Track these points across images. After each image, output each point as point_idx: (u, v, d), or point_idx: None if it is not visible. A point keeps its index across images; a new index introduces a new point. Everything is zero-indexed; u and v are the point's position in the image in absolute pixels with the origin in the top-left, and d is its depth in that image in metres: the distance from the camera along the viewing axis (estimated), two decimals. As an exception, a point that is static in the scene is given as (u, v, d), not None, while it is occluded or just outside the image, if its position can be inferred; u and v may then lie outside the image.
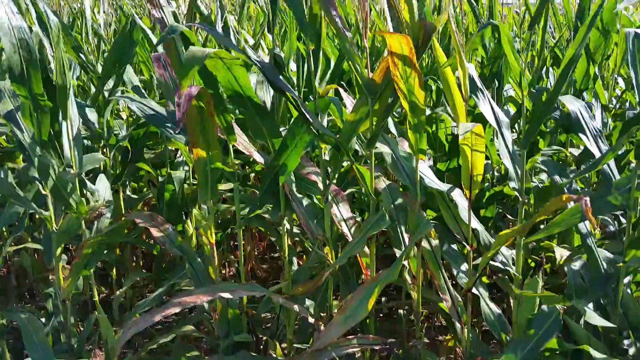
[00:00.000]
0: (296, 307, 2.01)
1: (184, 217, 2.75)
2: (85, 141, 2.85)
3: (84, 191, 2.40)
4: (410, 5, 1.74)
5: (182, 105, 1.59)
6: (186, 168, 2.87)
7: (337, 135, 1.87)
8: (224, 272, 3.60)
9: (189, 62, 1.56)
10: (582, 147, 2.80)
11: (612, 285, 2.02)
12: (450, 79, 1.80)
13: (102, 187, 2.29)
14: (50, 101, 1.89)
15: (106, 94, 2.70)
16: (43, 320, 2.44)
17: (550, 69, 3.28)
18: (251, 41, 3.57)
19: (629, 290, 2.12)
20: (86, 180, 2.21)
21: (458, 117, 1.82)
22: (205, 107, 1.82)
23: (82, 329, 2.32)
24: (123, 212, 2.74)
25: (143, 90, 3.01)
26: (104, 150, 2.76)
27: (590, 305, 2.09)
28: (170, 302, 1.76)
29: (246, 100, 1.81)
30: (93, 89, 2.95)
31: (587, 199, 1.55)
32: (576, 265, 2.17)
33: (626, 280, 2.08)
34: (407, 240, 2.15)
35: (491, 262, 2.18)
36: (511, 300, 2.09)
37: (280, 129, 1.99)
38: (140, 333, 3.08)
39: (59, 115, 1.98)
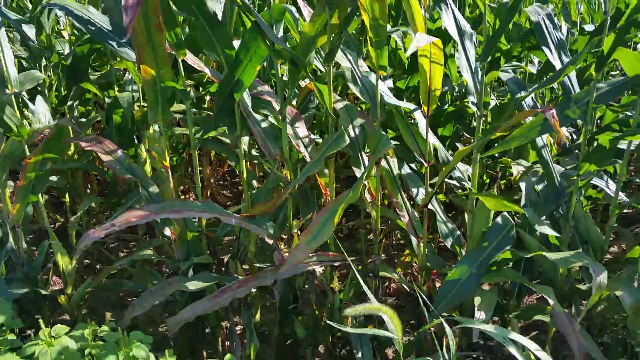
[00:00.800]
0: (253, 227, 2.00)
1: (136, 141, 2.65)
2: (24, 62, 2.66)
3: (28, 112, 2.26)
4: None
5: (129, 10, 1.44)
6: (135, 88, 2.73)
7: (294, 50, 1.78)
8: (183, 197, 3.55)
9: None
10: (541, 64, 2.79)
11: (565, 199, 2.08)
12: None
13: (42, 109, 2.15)
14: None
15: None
16: (-6, 248, 2.37)
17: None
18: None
19: (580, 204, 2.19)
20: (27, 101, 2.07)
21: (416, 28, 1.75)
22: (152, 16, 1.68)
23: (36, 256, 2.26)
24: (71, 135, 2.61)
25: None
26: (47, 71, 2.59)
27: (543, 218, 2.16)
28: (121, 215, 1.71)
29: (194, 7, 1.68)
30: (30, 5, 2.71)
31: (554, 111, 1.55)
32: (531, 180, 2.22)
33: (578, 194, 2.14)
34: (366, 159, 2.14)
35: (447, 179, 2.21)
36: (466, 217, 2.14)
37: (235, 43, 1.88)
38: (101, 260, 3.08)
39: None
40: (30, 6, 2.76)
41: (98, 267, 3.06)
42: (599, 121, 2.49)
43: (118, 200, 2.75)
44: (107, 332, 1.62)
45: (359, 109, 2.28)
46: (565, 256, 1.78)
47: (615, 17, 1.73)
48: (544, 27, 2.00)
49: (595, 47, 1.75)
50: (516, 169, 2.34)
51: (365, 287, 1.57)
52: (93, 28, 1.75)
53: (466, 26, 1.91)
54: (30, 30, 2.49)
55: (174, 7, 1.82)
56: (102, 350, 1.51)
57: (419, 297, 2.10)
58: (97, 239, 1.70)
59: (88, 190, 3.19)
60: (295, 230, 2.19)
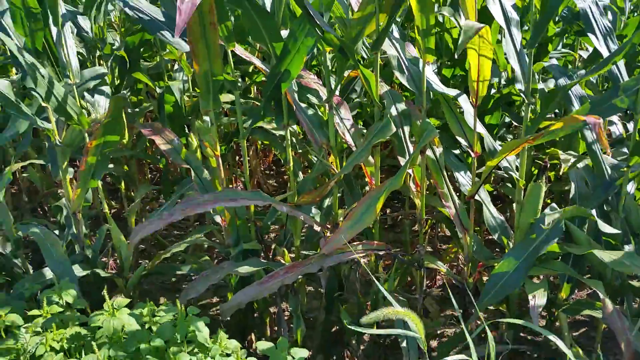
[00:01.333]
0: (300, 215, 2.04)
1: (186, 130, 2.74)
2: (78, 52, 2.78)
3: (85, 103, 2.38)
4: None
5: (184, 12, 1.50)
6: (184, 78, 2.82)
7: (342, 37, 1.80)
8: (231, 186, 3.64)
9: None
10: (590, 50, 2.71)
11: (615, 191, 2.03)
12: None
13: (102, 99, 2.26)
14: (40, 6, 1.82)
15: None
16: (57, 232, 2.51)
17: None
18: None
19: (632, 197, 2.12)
20: (85, 93, 2.18)
21: (467, 12, 1.74)
22: (207, 16, 1.74)
23: (94, 240, 2.38)
24: (125, 123, 2.72)
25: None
26: (100, 62, 2.70)
27: (593, 211, 2.11)
28: (177, 207, 1.79)
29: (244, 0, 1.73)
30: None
31: (600, 121, 1.52)
32: (581, 171, 2.16)
33: (630, 186, 2.08)
34: (411, 148, 2.14)
35: (494, 169, 2.18)
36: (514, 207, 2.11)
37: (282, 33, 1.92)
38: (155, 246, 3.21)
39: (50, 22, 1.91)
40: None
41: (152, 252, 3.19)
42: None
43: (171, 188, 2.85)
44: (165, 309, 1.70)
45: (403, 97, 2.28)
46: (618, 257, 1.73)
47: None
48: (590, 13, 1.95)
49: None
50: (564, 159, 2.29)
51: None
52: (147, 18, 1.82)
53: (512, 12, 1.88)
54: (84, 22, 2.60)
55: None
56: (162, 323, 1.60)
57: (465, 290, 2.10)
58: (154, 230, 1.78)
59: (142, 178, 3.32)
60: (341, 219, 2.22)
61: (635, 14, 3.38)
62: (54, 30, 1.94)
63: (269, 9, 1.83)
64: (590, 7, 1.97)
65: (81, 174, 2.07)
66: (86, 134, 2.13)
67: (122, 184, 3.07)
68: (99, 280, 2.28)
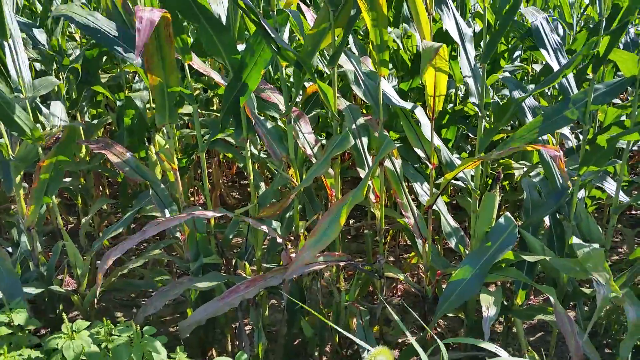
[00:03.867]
0: (264, 227, 2.04)
1: (146, 143, 2.70)
2: (37, 65, 2.73)
3: (43, 117, 2.32)
4: None
5: (142, 32, 1.48)
6: (146, 91, 2.78)
7: (298, 52, 1.82)
8: (193, 199, 3.61)
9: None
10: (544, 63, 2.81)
11: (567, 199, 2.10)
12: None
13: (58, 112, 2.21)
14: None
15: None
16: (10, 249, 2.43)
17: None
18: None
19: (583, 204, 2.20)
20: (41, 105, 2.13)
21: (423, 32, 1.78)
22: (163, 31, 1.72)
23: (50, 257, 2.32)
24: (82, 138, 2.67)
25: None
26: (58, 74, 2.65)
27: (547, 218, 2.18)
28: (150, 224, 1.77)
29: (198, 13, 1.72)
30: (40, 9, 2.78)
31: (560, 153, 1.58)
32: (533, 180, 2.23)
33: (581, 194, 2.16)
34: (370, 160, 2.17)
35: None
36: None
37: (239, 47, 1.92)
38: (113, 261, 3.13)
39: (-1, 35, 1.87)
40: (41, 8, 2.83)
41: (110, 268, 3.11)
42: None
43: (129, 202, 2.81)
44: (121, 328, 1.67)
45: (363, 110, 2.31)
46: (568, 263, 1.79)
47: (610, 18, 1.74)
48: (541, 29, 2.03)
49: (593, 48, 1.77)
50: (518, 170, 2.36)
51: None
52: (99, 35, 1.80)
53: (466, 29, 1.94)
54: (40, 35, 2.55)
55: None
56: (117, 345, 1.57)
57: (424, 298, 2.13)
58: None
59: (100, 192, 3.25)
60: (302, 231, 2.22)
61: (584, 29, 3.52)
62: (4, 43, 1.89)
63: (224, 23, 1.83)
64: (541, 23, 2.05)
65: (34, 190, 2.02)
66: (40, 149, 2.08)
67: (79, 198, 3.00)
68: (54, 298, 2.21)
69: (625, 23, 1.69)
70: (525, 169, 2.32)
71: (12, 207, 2.96)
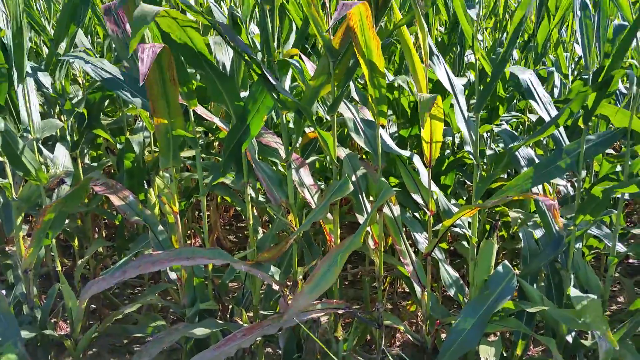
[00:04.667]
0: (259, 274, 2.03)
1: (145, 186, 2.72)
2: (39, 107, 2.77)
3: (42, 159, 2.34)
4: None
5: (145, 61, 1.52)
6: (146, 134, 2.82)
7: (299, 100, 1.87)
8: (190, 242, 3.59)
9: (138, 20, 1.47)
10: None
11: (564, 249, 2.11)
12: (409, 43, 1.82)
13: (61, 155, 2.24)
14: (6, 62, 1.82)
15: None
16: (4, 292, 2.40)
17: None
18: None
19: (580, 253, 2.21)
20: (42, 147, 2.16)
21: (419, 83, 1.84)
22: (167, 72, 1.78)
23: (45, 300, 2.29)
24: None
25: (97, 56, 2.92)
26: (61, 117, 2.69)
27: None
28: (130, 265, 1.75)
29: (203, 62, 1.78)
30: (46, 52, 2.85)
31: (555, 203, 1.61)
32: (530, 229, 2.25)
33: (578, 244, 2.17)
34: (368, 206, 2.19)
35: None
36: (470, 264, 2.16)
37: (242, 94, 1.97)
38: (106, 305, 3.10)
39: (14, 78, 1.91)
40: (47, 51, 2.89)
41: (101, 313, 3.07)
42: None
43: (126, 245, 2.80)
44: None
45: (363, 156, 2.34)
46: (567, 314, 1.78)
47: (597, 72, 1.80)
48: (530, 84, 2.11)
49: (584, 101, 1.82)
50: (514, 218, 2.38)
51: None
52: (107, 77, 1.85)
53: (457, 81, 2.00)
54: (45, 78, 2.60)
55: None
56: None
57: (424, 348, 2.10)
58: (105, 288, 1.73)
59: (96, 234, 3.24)
60: (300, 277, 2.21)
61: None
62: (17, 85, 1.94)
63: (229, 71, 1.89)
64: (529, 79, 2.13)
65: (36, 232, 2.02)
66: (43, 190, 2.09)
67: (76, 240, 2.98)
68: (46, 343, 2.17)
69: (611, 77, 1.74)
70: (521, 217, 2.34)
71: (7, 248, 2.94)
